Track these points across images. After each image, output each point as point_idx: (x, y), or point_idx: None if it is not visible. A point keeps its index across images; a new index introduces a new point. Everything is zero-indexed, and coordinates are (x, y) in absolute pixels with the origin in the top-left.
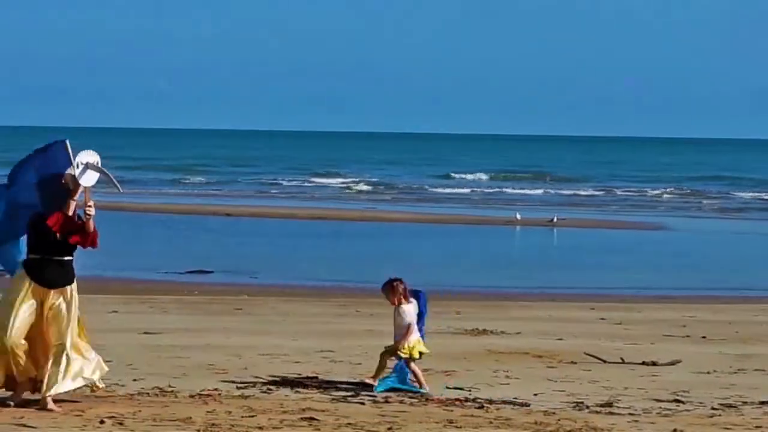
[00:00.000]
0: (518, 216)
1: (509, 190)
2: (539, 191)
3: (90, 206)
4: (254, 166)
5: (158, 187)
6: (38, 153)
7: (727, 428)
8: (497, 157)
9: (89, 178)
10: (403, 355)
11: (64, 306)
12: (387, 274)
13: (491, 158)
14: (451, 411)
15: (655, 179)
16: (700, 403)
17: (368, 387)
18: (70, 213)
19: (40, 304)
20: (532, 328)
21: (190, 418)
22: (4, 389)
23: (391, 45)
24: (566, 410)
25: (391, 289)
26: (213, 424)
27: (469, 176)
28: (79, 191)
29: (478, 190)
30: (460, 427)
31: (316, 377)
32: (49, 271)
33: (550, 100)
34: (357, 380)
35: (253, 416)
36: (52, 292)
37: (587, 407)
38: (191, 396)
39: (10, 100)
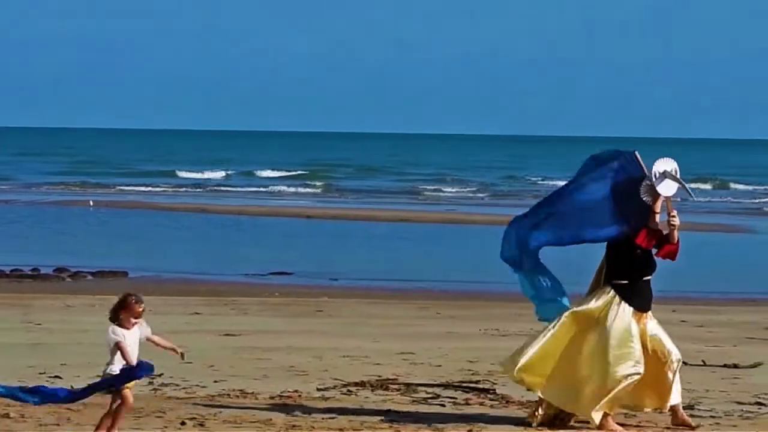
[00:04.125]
0: None
1: None
2: None
3: (674, 216)
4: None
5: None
6: (599, 166)
7: None
8: None
9: (668, 188)
10: None
11: (655, 323)
12: (468, 275)
13: None
14: None
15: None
16: None
17: (449, 388)
18: (654, 227)
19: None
20: None
21: (271, 419)
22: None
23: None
24: (647, 412)
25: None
26: (293, 426)
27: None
28: (660, 202)
29: None
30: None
31: (397, 379)
32: (642, 293)
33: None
34: (438, 382)
35: (333, 418)
36: (645, 315)
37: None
38: (272, 398)
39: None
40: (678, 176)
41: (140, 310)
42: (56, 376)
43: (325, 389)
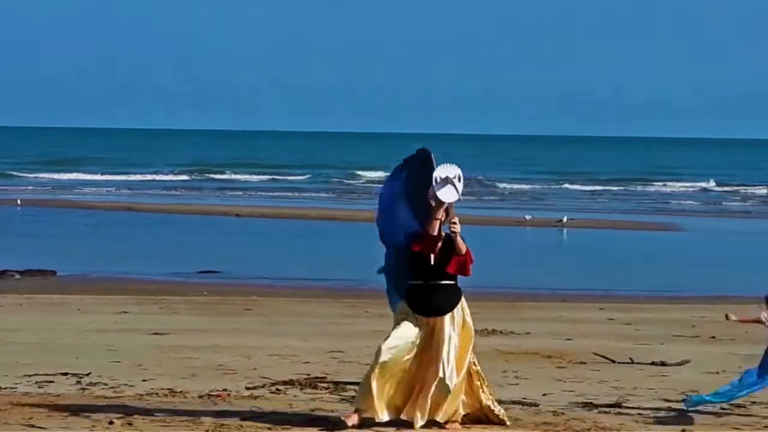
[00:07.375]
0: (528, 217)
1: None
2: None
3: (455, 223)
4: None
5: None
6: (405, 165)
7: (736, 428)
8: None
9: (449, 194)
10: None
11: (451, 331)
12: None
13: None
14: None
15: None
16: None
17: None
18: (435, 232)
19: (430, 332)
20: (542, 328)
21: (199, 418)
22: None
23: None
24: (575, 410)
25: None
26: (222, 425)
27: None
28: (442, 208)
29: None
30: (469, 428)
31: (326, 378)
32: (430, 297)
33: None
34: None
35: (262, 417)
36: (439, 319)
37: (596, 407)
38: (200, 396)
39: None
40: (461, 183)
41: None
42: None
43: (254, 388)
